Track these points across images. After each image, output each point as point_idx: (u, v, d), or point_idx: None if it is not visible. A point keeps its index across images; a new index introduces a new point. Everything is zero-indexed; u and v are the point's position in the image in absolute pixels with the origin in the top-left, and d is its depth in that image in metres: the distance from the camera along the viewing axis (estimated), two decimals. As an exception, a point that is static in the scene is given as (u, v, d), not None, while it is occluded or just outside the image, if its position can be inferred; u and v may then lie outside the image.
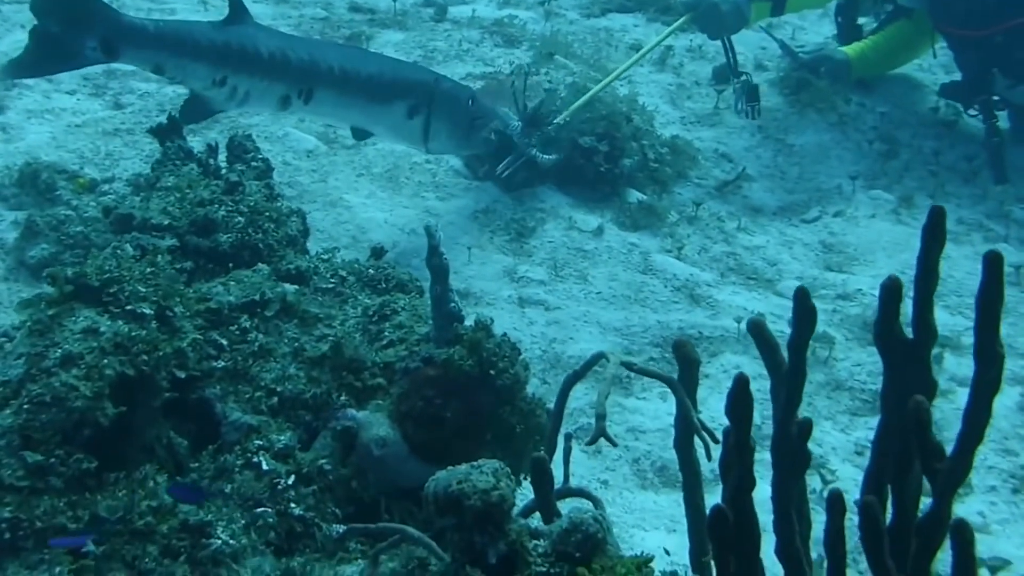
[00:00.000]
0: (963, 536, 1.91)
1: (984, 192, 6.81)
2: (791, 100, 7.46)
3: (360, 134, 5.66)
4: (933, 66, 7.79)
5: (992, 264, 2.10)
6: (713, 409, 4.47)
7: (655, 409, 5.01)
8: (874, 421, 4.18)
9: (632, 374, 5.23)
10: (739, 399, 1.98)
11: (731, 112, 7.26)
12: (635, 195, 6.48)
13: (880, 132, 7.26)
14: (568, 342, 5.36)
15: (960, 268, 6.15)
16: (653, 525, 4.45)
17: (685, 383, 3.13)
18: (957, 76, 7.35)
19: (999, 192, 6.77)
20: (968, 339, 5.53)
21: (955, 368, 5.35)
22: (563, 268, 5.92)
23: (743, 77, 6.97)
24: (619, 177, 6.46)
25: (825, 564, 2.32)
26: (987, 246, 6.25)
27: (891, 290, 2.27)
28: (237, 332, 3.74)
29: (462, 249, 5.88)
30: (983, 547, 4.39)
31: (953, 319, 5.73)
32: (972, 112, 7.12)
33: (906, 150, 7.15)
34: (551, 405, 3.57)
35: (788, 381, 2.27)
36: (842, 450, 4.87)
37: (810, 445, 4.75)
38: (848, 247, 6.37)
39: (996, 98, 6.96)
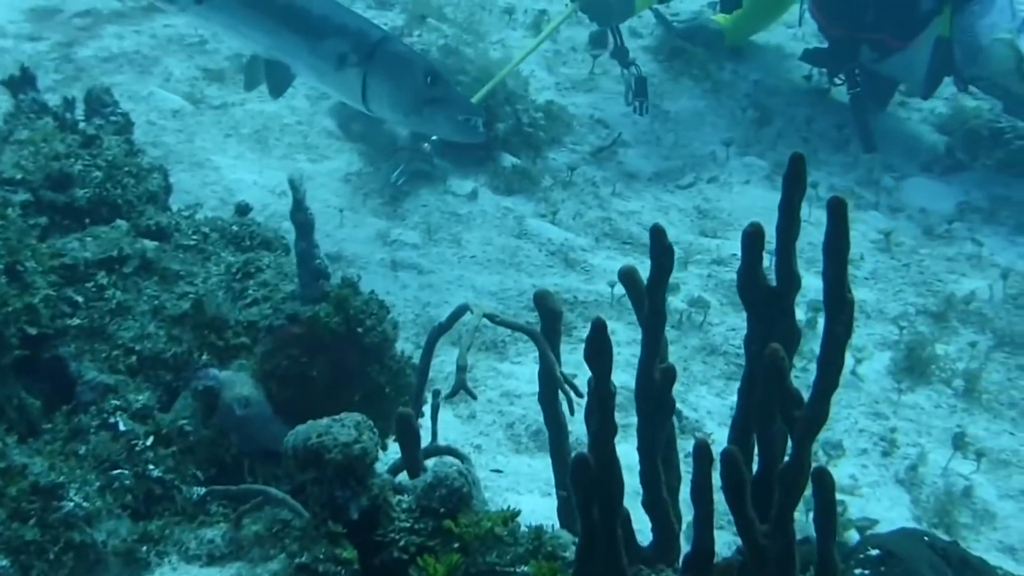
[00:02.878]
0: (823, 482, 1.89)
1: (855, 160, 6.89)
2: (666, 67, 7.46)
3: (276, 84, 5.06)
4: (807, 35, 7.85)
5: (836, 210, 2.11)
6: (587, 374, 4.44)
7: (530, 373, 4.92)
8: (748, 384, 4.20)
9: (508, 340, 5.19)
10: (596, 343, 1.93)
11: (607, 78, 7.23)
12: (509, 159, 6.43)
13: (753, 99, 7.30)
14: (443, 306, 5.27)
15: (831, 234, 6.20)
16: (528, 488, 4.41)
17: (548, 335, 3.09)
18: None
19: (868, 160, 6.85)
20: (841, 304, 5.58)
21: (828, 332, 5.38)
22: (437, 232, 5.85)
23: (632, 68, 6.87)
24: (493, 141, 6.39)
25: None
26: (858, 213, 6.33)
27: (753, 237, 2.25)
28: (94, 289, 3.60)
29: (334, 212, 5.77)
30: (854, 508, 4.43)
31: (825, 284, 5.78)
32: (837, 80, 7.19)
33: (779, 117, 7.20)
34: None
35: (647, 323, 2.23)
36: (717, 414, 4.88)
37: (686, 409, 4.83)
38: (722, 212, 6.39)
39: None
